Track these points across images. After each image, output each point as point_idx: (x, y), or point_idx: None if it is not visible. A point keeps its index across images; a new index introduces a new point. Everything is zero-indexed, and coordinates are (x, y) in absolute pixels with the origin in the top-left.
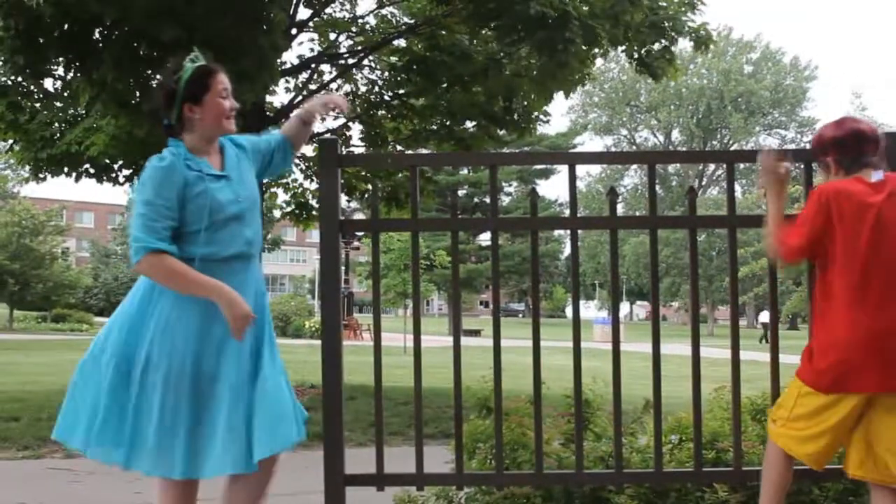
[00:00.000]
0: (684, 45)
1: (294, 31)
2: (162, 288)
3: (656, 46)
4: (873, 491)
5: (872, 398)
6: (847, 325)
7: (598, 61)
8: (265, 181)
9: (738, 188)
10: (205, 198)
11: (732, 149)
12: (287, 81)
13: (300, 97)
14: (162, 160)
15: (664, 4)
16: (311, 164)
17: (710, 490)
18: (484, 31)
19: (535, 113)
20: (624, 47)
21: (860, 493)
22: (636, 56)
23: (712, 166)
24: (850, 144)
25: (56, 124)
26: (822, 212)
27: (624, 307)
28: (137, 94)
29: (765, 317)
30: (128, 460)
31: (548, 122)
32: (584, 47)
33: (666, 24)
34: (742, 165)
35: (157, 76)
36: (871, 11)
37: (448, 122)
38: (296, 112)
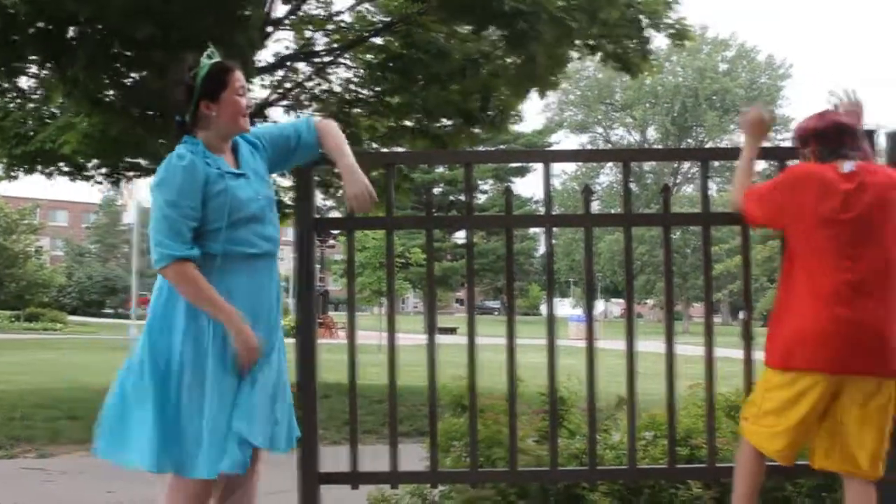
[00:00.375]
0: (660, 42)
1: (270, 28)
2: None
3: (632, 43)
4: (846, 483)
5: (838, 391)
6: (808, 305)
7: (575, 61)
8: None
9: (712, 186)
10: (225, 196)
11: (707, 146)
12: (263, 79)
13: (276, 95)
14: (182, 158)
15: (641, 0)
16: None
17: (684, 487)
18: (459, 29)
19: (511, 111)
20: (595, 43)
21: (834, 489)
22: (612, 53)
23: (687, 164)
24: (831, 136)
25: (30, 122)
26: (785, 188)
27: (599, 305)
28: (111, 92)
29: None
30: (181, 467)
31: (520, 122)
32: (554, 42)
33: (643, 20)
34: (716, 163)
35: (133, 74)
36: (846, 11)
37: (424, 120)
38: (342, 162)
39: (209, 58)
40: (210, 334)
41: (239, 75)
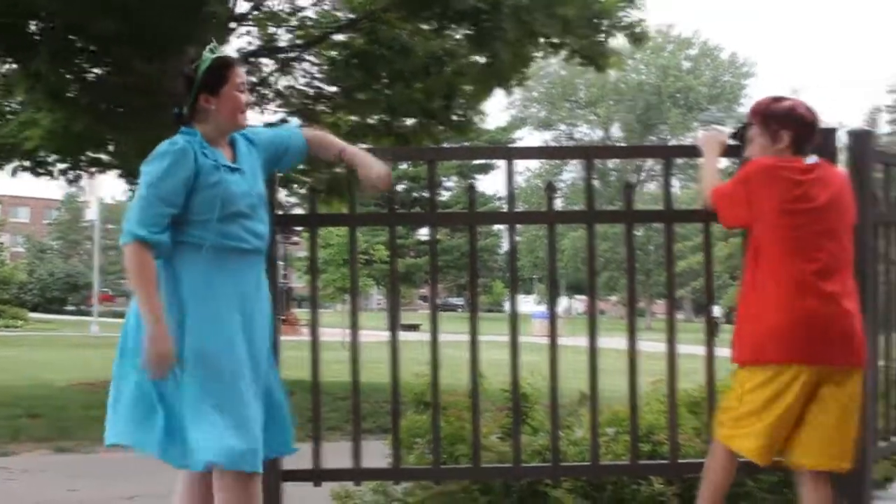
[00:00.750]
0: (623, 40)
1: (233, 24)
2: (182, 280)
3: (595, 40)
4: (806, 479)
5: (819, 382)
6: (777, 298)
7: (539, 59)
8: None
9: (675, 183)
10: (219, 188)
11: (670, 144)
12: None
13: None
14: (174, 144)
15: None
16: None
17: (647, 483)
18: (423, 26)
19: (475, 111)
20: (559, 41)
21: (794, 484)
22: (576, 49)
23: (650, 161)
24: (811, 129)
25: None
26: (752, 183)
27: (563, 301)
28: (75, 87)
29: (715, 311)
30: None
31: (483, 122)
32: (517, 40)
33: (602, 21)
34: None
35: (96, 70)
36: (809, 10)
37: (388, 118)
38: (351, 148)
39: (212, 52)
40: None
41: (240, 71)
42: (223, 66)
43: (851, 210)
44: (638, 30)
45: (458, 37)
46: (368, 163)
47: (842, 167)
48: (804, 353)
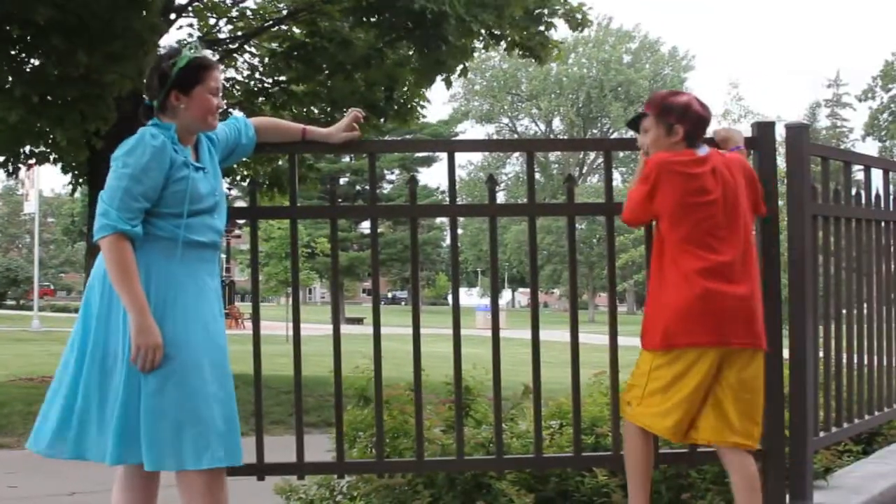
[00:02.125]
0: (564, 33)
1: (173, 15)
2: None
3: (536, 31)
4: (723, 455)
5: (722, 363)
6: (682, 286)
7: (481, 51)
8: None
9: (617, 176)
10: (185, 184)
11: (612, 137)
12: None
13: None
14: (155, 138)
15: None
16: None
17: (590, 474)
18: (364, 21)
19: (416, 101)
20: (500, 33)
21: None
22: (517, 42)
23: (592, 154)
24: (703, 124)
25: None
26: (652, 181)
27: (506, 294)
28: (10, 79)
29: None
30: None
31: (426, 112)
32: (460, 42)
33: (543, 10)
34: (621, 153)
35: (33, 61)
36: (747, 5)
37: (329, 110)
38: (310, 127)
39: (191, 50)
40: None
41: (217, 75)
42: (199, 68)
43: (750, 195)
44: (578, 15)
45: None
46: (335, 128)
47: (781, 161)
48: (708, 335)
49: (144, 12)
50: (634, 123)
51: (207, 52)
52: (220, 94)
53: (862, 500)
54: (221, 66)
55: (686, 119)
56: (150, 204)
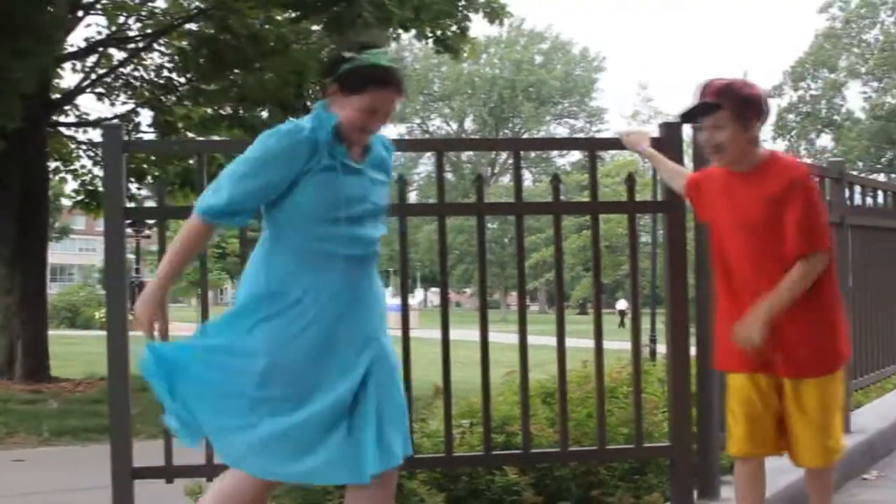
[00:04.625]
0: (477, 32)
1: (80, 12)
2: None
3: (452, 24)
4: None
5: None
6: (839, 305)
7: (393, 46)
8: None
9: (529, 176)
10: (331, 188)
11: (524, 137)
12: (74, 65)
13: (88, 81)
14: (300, 131)
15: None
16: (99, 150)
17: (501, 473)
18: (278, 17)
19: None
20: (415, 31)
21: (644, 472)
22: (431, 36)
23: (504, 154)
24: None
25: None
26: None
27: (419, 294)
28: None
29: (622, 304)
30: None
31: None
32: (376, 27)
33: (459, 2)
34: (532, 154)
35: None
36: (658, 7)
37: (239, 109)
38: None
39: (386, 54)
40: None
41: (389, 96)
42: (376, 78)
43: None
44: (495, 6)
45: (315, 28)
46: None
47: (688, 161)
48: (731, 363)
49: (50, 7)
50: (692, 115)
51: (396, 66)
52: (376, 119)
53: (767, 494)
54: (401, 96)
55: (764, 114)
56: (265, 202)
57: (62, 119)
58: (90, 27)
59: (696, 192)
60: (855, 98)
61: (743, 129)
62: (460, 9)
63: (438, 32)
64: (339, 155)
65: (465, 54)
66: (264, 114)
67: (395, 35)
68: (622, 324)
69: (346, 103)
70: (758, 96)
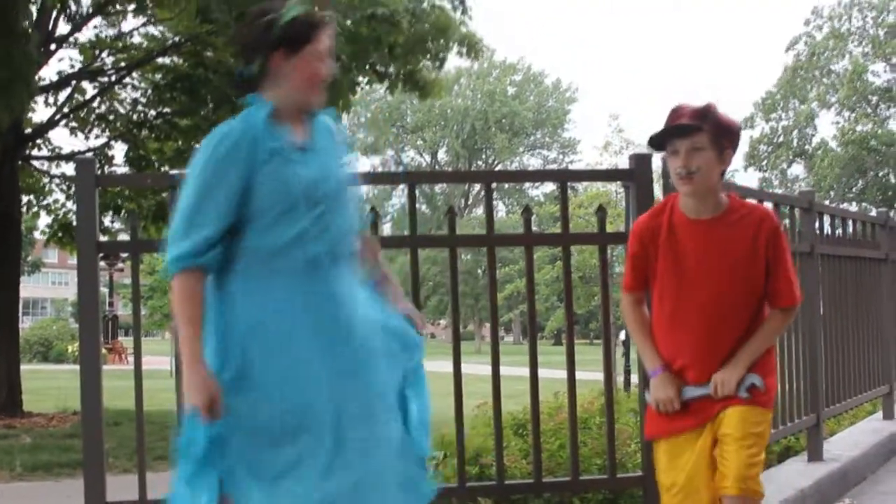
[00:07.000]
0: (449, 66)
1: (53, 45)
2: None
3: (426, 62)
4: None
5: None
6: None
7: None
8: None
9: (502, 207)
10: (282, 175)
11: (497, 168)
12: (47, 98)
13: (60, 115)
14: (233, 127)
15: (428, 10)
16: (72, 184)
17: None
18: None
19: None
20: (383, 70)
21: (617, 502)
22: (402, 76)
23: (478, 186)
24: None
25: None
26: None
27: None
28: None
29: (623, 335)
30: None
31: None
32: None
33: (430, 41)
34: (505, 185)
35: None
36: (630, 39)
37: None
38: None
39: (301, 3)
40: None
41: (330, 35)
42: (312, 24)
43: None
44: (470, 43)
45: None
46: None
47: (658, 191)
48: None
49: (23, 41)
50: (668, 136)
51: (315, 8)
52: (328, 61)
53: None
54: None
55: (736, 146)
56: (232, 217)
57: (35, 153)
58: (63, 61)
59: (640, 246)
60: (827, 128)
61: (719, 156)
62: (432, 48)
63: (409, 70)
64: (282, 138)
65: (435, 95)
66: None
67: (367, 81)
68: (626, 354)
69: (298, 61)
70: (736, 125)
